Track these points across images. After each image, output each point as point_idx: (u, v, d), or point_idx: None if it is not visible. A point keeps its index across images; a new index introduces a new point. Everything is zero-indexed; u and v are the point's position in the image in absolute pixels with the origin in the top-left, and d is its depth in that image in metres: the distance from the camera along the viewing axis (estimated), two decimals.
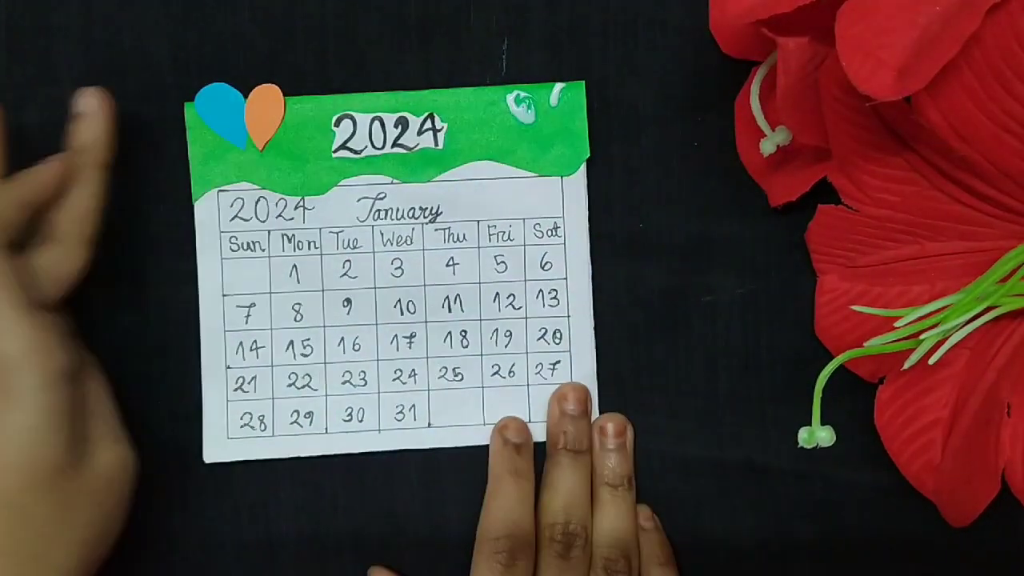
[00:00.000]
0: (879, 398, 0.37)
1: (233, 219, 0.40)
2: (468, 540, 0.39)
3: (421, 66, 0.39)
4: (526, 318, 0.40)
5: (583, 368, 0.40)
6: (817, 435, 0.34)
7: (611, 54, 0.38)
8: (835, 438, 0.33)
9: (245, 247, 0.40)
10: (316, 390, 0.40)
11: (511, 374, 0.40)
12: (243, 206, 0.40)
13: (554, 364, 0.40)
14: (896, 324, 0.34)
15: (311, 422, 0.40)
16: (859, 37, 0.28)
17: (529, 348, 0.40)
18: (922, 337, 0.33)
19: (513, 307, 0.40)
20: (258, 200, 0.40)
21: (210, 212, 0.39)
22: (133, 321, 0.39)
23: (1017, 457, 0.35)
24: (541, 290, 0.40)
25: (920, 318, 0.34)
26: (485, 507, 0.38)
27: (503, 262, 0.40)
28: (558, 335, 0.40)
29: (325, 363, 0.40)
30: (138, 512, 0.39)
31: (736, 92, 0.37)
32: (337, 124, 0.39)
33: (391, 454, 0.40)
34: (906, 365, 0.34)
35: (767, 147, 0.36)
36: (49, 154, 0.39)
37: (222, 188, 0.39)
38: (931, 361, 0.34)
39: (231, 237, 0.40)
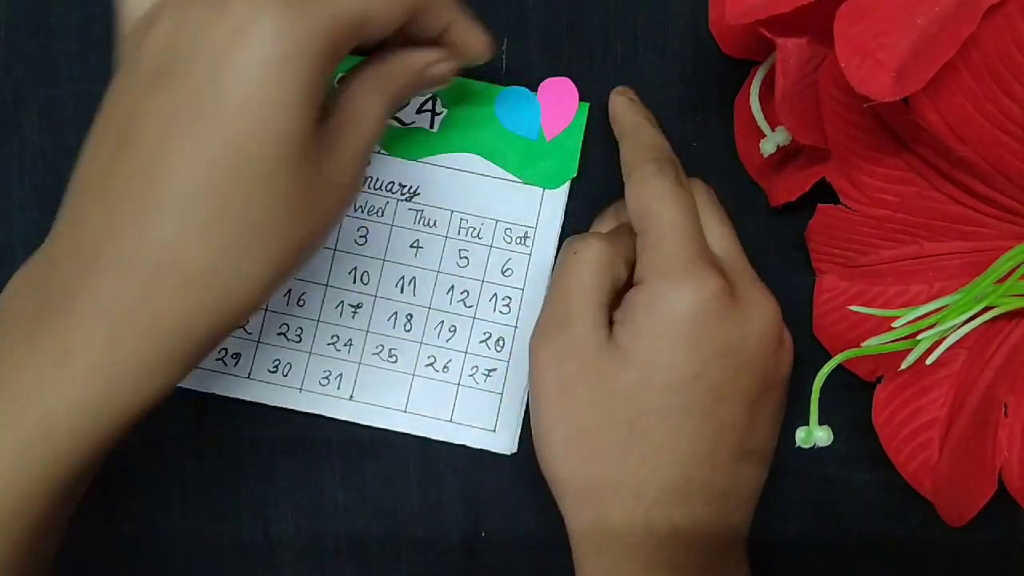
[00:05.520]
0: (877, 397, 0.37)
1: None
2: (467, 540, 0.39)
3: None
4: (474, 318, 0.39)
5: (517, 379, 0.39)
6: (815, 434, 0.34)
7: (611, 54, 0.38)
8: (833, 437, 0.33)
9: None
10: (250, 334, 0.39)
11: (445, 369, 0.39)
12: None
13: (489, 370, 0.39)
14: (894, 324, 0.34)
15: (236, 363, 0.39)
16: (858, 38, 0.28)
17: (469, 348, 0.39)
18: (919, 337, 0.33)
19: (464, 304, 0.39)
20: None
21: None
22: None
23: (1014, 456, 0.34)
24: (496, 294, 0.39)
25: (918, 318, 0.34)
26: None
27: (466, 257, 0.39)
28: (501, 342, 0.39)
29: (265, 310, 0.39)
30: (138, 512, 0.39)
31: (736, 92, 0.37)
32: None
33: (390, 455, 0.40)
34: (903, 365, 0.34)
35: (767, 147, 0.36)
36: (49, 154, 0.39)
37: None
38: (928, 361, 0.34)
39: None
